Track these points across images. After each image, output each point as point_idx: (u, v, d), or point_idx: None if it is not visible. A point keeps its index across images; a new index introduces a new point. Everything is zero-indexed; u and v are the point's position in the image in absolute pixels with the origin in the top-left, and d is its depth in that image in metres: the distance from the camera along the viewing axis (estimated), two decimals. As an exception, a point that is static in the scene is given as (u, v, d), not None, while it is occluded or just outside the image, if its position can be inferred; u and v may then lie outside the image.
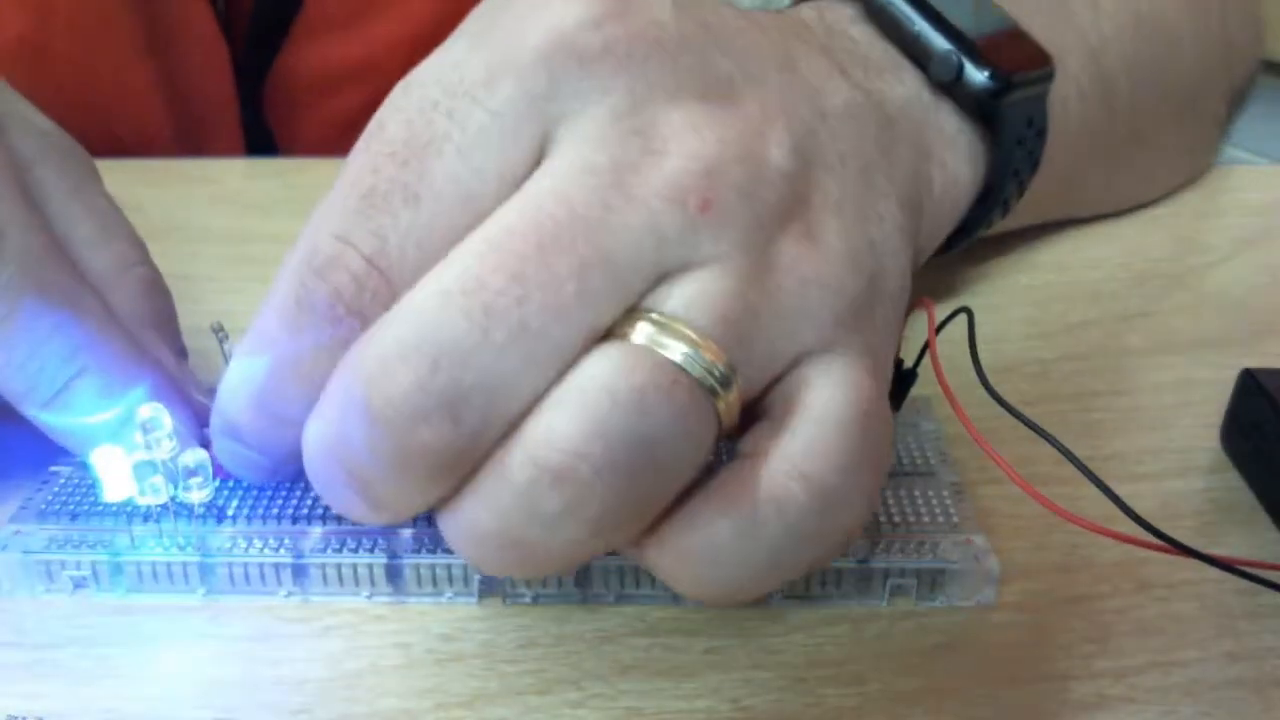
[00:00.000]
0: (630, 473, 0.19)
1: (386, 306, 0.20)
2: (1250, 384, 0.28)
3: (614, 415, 0.19)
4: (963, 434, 0.28)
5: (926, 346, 0.26)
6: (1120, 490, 0.23)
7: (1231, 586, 0.24)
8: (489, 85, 0.20)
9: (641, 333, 0.20)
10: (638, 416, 0.19)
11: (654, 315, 0.20)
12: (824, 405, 0.21)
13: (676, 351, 0.20)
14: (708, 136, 0.20)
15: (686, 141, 0.20)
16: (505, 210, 0.20)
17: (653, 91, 0.21)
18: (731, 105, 0.21)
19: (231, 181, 0.45)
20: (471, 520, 0.20)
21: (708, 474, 0.21)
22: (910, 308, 0.26)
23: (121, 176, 0.44)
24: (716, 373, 0.20)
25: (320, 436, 0.20)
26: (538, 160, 0.21)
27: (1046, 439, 0.23)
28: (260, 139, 0.53)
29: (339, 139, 0.52)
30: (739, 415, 0.21)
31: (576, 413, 0.19)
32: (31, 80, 0.39)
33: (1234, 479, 0.28)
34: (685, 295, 0.20)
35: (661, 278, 0.20)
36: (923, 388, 0.28)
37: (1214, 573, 0.23)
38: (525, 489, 0.19)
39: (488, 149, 0.20)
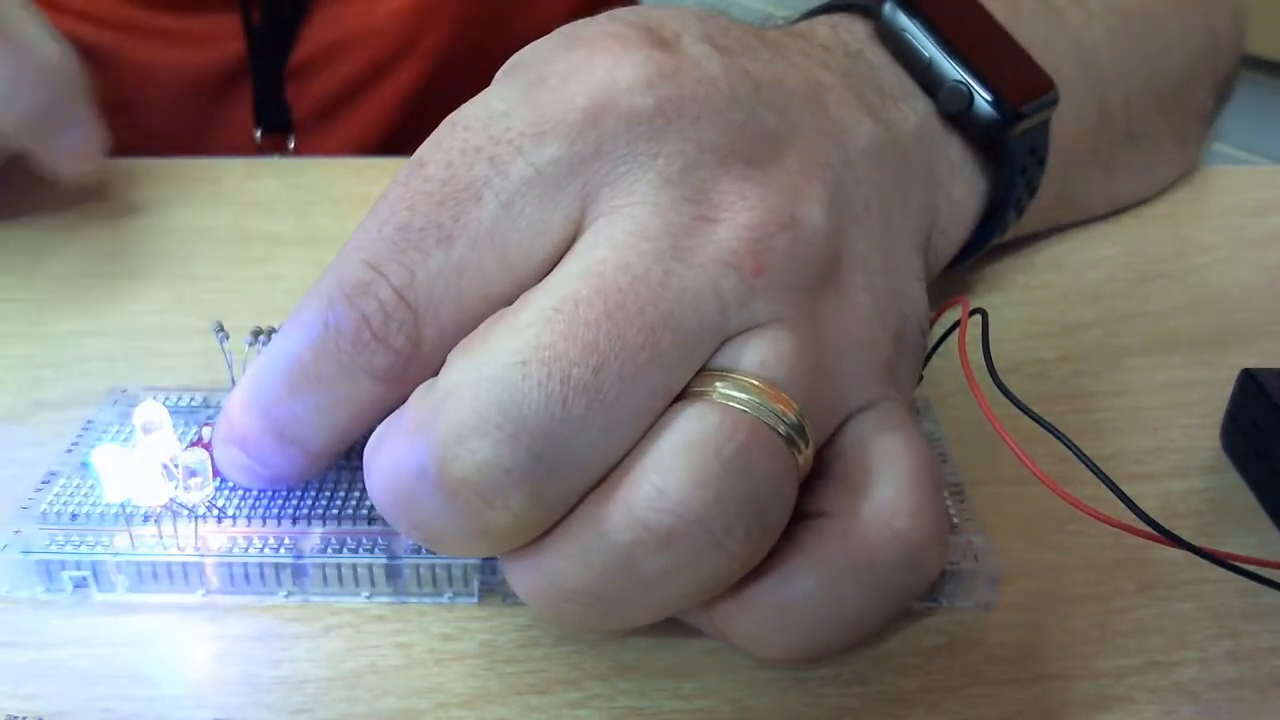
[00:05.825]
0: (736, 532, 0.19)
1: (410, 339, 0.20)
2: (1250, 384, 0.28)
3: (724, 476, 0.19)
4: (963, 434, 0.28)
5: (935, 347, 0.26)
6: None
7: (1231, 586, 0.24)
8: (536, 140, 0.20)
9: (721, 392, 0.20)
10: (744, 476, 0.19)
11: (731, 374, 0.20)
12: (896, 461, 0.21)
13: (760, 408, 0.20)
14: (755, 205, 0.21)
15: (736, 211, 0.20)
16: (564, 278, 0.20)
17: (702, 155, 0.21)
18: (774, 165, 0.21)
19: (231, 181, 0.45)
20: (553, 576, 0.20)
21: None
22: (944, 306, 0.26)
23: (122, 176, 0.45)
24: (795, 426, 0.20)
25: (385, 491, 0.20)
26: (575, 219, 0.20)
27: (1058, 437, 0.23)
28: (271, 110, 0.55)
29: (342, 104, 0.54)
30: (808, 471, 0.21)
31: (687, 476, 0.19)
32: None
33: (1234, 479, 0.28)
34: (755, 354, 0.20)
35: (725, 339, 0.20)
36: (923, 389, 0.28)
37: (1214, 573, 0.23)
38: (626, 550, 0.19)
39: (527, 202, 0.20)
